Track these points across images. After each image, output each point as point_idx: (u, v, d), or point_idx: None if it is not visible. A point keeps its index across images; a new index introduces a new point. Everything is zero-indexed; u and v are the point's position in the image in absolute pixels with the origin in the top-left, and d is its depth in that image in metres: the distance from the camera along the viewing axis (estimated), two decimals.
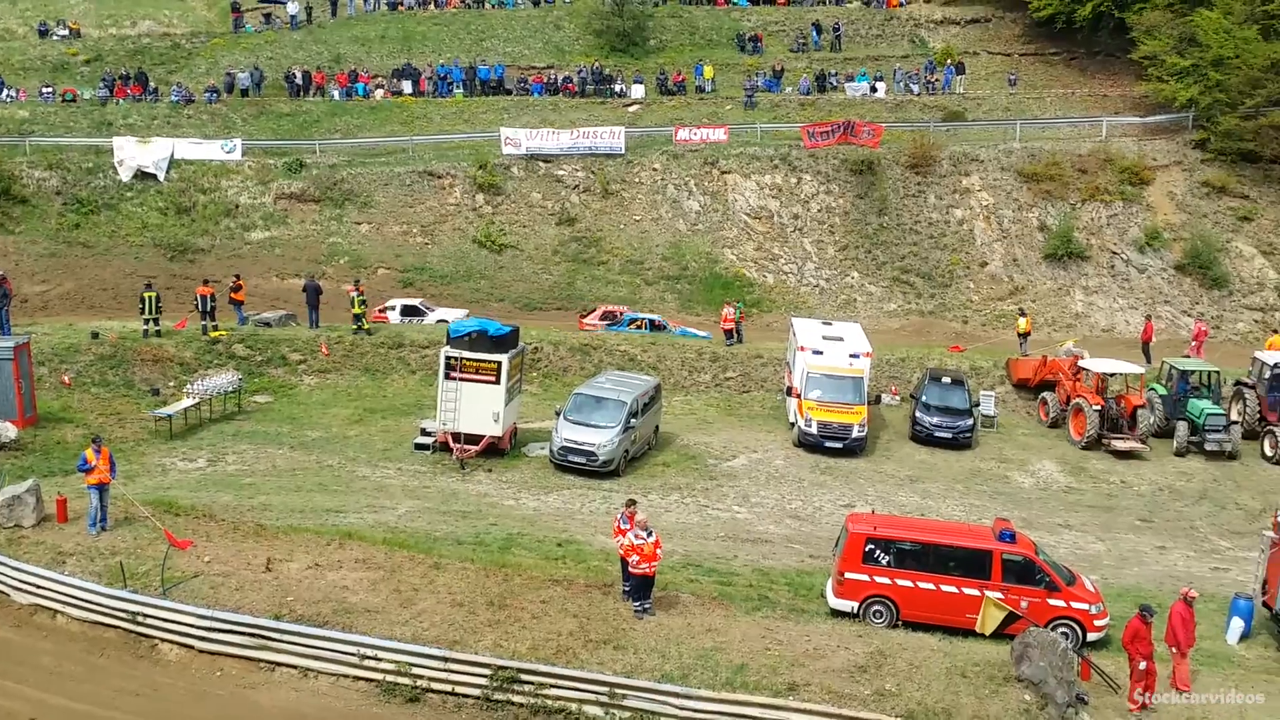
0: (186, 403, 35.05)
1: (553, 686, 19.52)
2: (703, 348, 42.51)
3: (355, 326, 41.62)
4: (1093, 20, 60.11)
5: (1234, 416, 38.24)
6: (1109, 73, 61.96)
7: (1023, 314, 45.60)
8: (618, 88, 60.09)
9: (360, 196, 53.00)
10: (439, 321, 43.17)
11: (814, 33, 65.33)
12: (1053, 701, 19.13)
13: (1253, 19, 52.56)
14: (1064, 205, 52.82)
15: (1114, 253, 51.77)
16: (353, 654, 20.27)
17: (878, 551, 23.28)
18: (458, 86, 60.46)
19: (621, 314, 45.98)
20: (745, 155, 54.38)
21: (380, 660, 20.13)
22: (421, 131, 57.13)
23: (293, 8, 66.25)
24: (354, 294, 41.65)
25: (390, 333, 41.92)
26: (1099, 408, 37.05)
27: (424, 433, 33.78)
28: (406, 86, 60.25)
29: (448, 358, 32.41)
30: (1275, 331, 45.52)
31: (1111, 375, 38.36)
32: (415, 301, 46.28)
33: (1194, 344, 44.03)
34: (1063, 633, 21.94)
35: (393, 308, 45.43)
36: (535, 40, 65.35)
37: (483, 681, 19.70)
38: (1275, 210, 52.69)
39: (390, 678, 20.00)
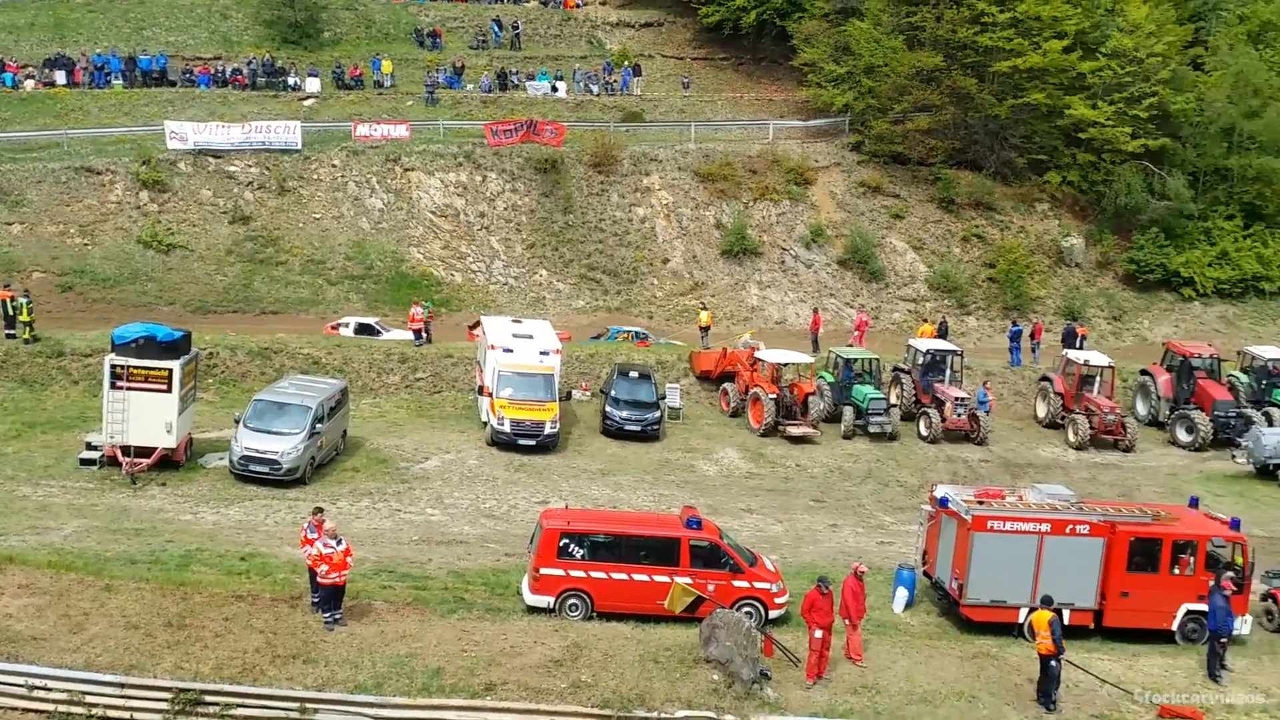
0: None
1: (240, 706, 18.99)
2: (390, 348, 41.70)
3: (9, 333, 38.39)
4: (757, 27, 63.22)
5: (893, 400, 41.32)
6: (773, 78, 65.46)
7: (704, 308, 47.47)
8: (291, 81, 58.18)
9: (10, 194, 48.74)
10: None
11: (494, 30, 65.49)
12: (739, 679, 20.09)
13: (899, 30, 56.70)
14: (737, 204, 55.28)
15: (784, 249, 54.67)
16: (19, 685, 19.09)
17: (572, 546, 23.67)
18: (116, 77, 56.89)
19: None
20: (428, 153, 53.81)
21: (50, 690, 19.06)
22: (78, 125, 53.32)
23: None
24: (21, 299, 38.41)
25: (49, 341, 38.88)
26: (774, 396, 39.05)
27: (90, 446, 31.57)
28: (60, 77, 56.16)
29: (113, 366, 30.37)
30: (926, 320, 49.32)
31: (785, 365, 40.50)
32: (371, 320, 43.87)
33: (856, 333, 47.16)
34: (747, 612, 23.04)
35: (346, 325, 42.78)
36: (200, 30, 62.39)
37: (164, 706, 18.97)
38: (923, 209, 57.14)
39: (63, 708, 19.00)
